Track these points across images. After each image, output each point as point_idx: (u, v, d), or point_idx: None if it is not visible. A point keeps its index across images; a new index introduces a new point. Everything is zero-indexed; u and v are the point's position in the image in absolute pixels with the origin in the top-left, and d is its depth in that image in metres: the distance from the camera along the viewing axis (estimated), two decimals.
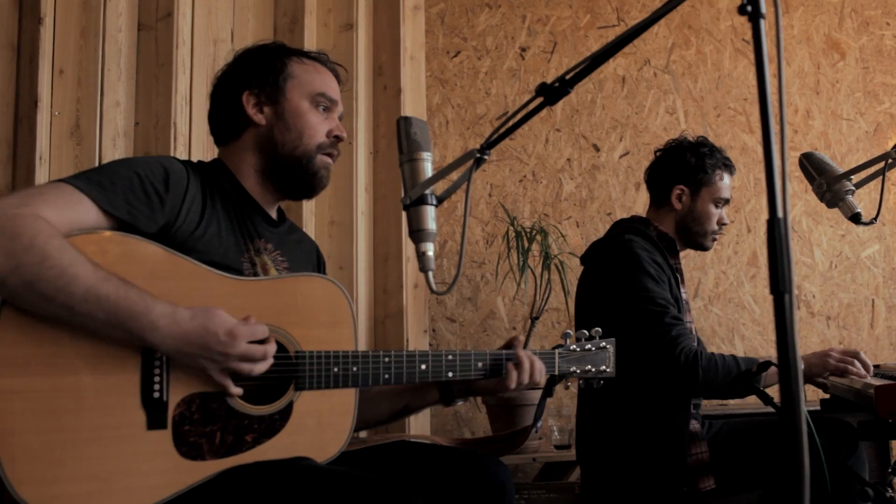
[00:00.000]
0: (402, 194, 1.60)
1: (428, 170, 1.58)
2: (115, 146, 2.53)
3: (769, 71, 1.09)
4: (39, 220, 1.35)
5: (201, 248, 1.56)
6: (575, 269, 3.06)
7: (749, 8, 1.19)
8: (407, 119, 1.59)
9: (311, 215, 2.87)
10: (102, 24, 2.52)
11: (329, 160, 1.78)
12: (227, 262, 1.59)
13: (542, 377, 1.73)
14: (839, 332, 3.69)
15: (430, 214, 1.54)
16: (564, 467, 3.10)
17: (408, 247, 3.02)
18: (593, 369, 1.83)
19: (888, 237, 3.77)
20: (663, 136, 3.72)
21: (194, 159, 1.94)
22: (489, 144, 1.54)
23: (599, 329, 1.87)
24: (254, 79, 1.72)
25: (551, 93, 1.46)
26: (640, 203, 3.67)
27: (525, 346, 3.11)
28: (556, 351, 1.79)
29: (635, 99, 3.73)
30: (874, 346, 3.70)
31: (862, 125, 3.84)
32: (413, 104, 3.14)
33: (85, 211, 1.43)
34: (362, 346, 2.89)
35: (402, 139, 1.58)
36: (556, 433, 3.13)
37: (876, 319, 3.72)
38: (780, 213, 1.16)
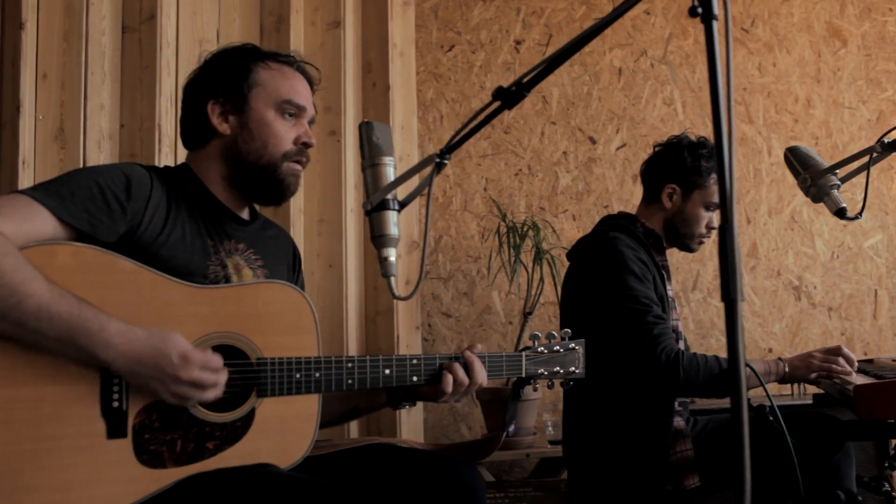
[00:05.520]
0: (365, 196, 1.60)
1: (390, 174, 1.58)
2: (100, 149, 2.53)
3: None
4: None
5: (165, 253, 1.57)
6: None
7: (700, 10, 1.17)
8: (368, 124, 1.58)
9: (299, 213, 2.87)
10: (85, 28, 2.52)
11: (297, 167, 1.77)
12: (192, 266, 1.59)
13: (481, 380, 1.70)
14: (841, 324, 3.65)
15: (392, 219, 1.54)
16: (560, 462, 3.08)
17: (399, 246, 3.00)
18: (562, 370, 1.82)
19: (891, 226, 3.72)
20: (661, 127, 3.69)
21: (167, 164, 1.93)
22: (448, 149, 1.53)
23: (569, 330, 1.86)
24: (219, 87, 1.72)
25: (509, 96, 1.46)
26: (637, 195, 3.63)
27: (518, 342, 3.10)
28: (523, 353, 1.78)
29: (632, 90, 3.69)
30: (877, 337, 3.66)
31: (864, 113, 3.78)
32: (403, 100, 3.13)
33: (43, 223, 1.44)
34: (353, 343, 2.89)
35: (364, 144, 1.57)
36: (550, 428, 3.12)
37: (879, 310, 3.67)
38: (731, 220, 1.15)
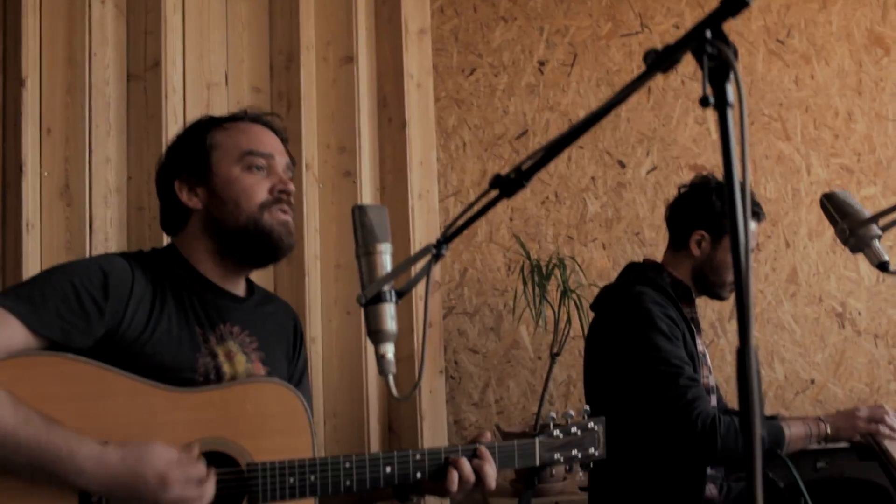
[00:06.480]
0: (360, 287, 1.50)
1: (386, 263, 1.48)
2: (106, 204, 2.46)
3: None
4: None
5: (150, 350, 1.49)
6: None
7: (712, 99, 1.06)
8: (361, 208, 1.48)
9: (315, 259, 2.78)
10: (88, 79, 2.45)
11: (284, 216, 1.66)
12: (179, 361, 1.51)
13: (490, 480, 1.59)
14: (888, 352, 3.46)
15: (388, 313, 1.44)
16: None
17: (419, 286, 2.89)
18: (580, 454, 1.70)
19: None
20: (693, 148, 3.53)
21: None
22: (446, 238, 1.42)
23: (588, 407, 1.74)
24: (180, 164, 1.64)
25: (507, 185, 1.34)
26: None
27: (546, 383, 2.98)
28: (537, 439, 1.66)
29: (662, 110, 3.54)
30: None
31: None
32: (421, 135, 3.01)
33: (12, 333, 1.36)
34: (372, 392, 2.79)
35: (356, 229, 1.48)
36: (580, 473, 3.00)
37: None
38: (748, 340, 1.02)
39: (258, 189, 1.63)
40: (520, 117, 3.51)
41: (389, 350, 1.43)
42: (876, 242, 2.00)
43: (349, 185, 2.83)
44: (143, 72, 2.55)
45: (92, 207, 2.44)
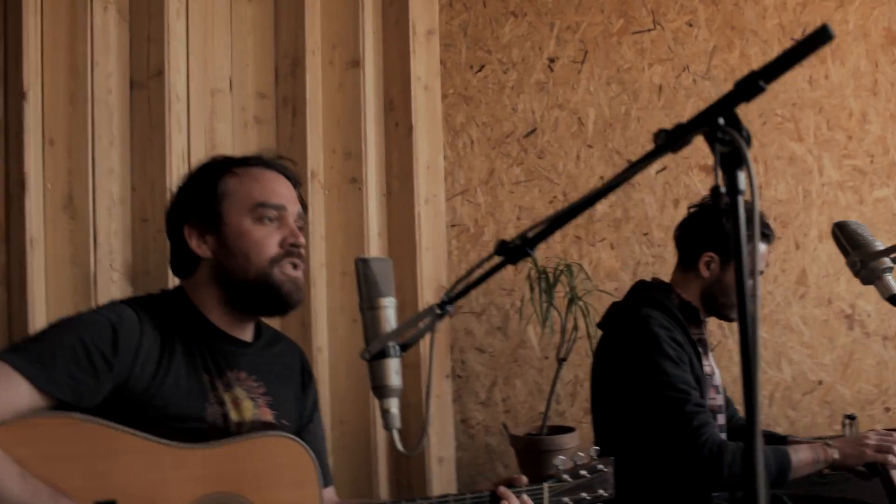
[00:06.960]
0: (364, 341, 1.51)
1: (390, 317, 1.47)
2: (110, 216, 2.44)
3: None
4: None
5: (158, 402, 1.49)
6: (606, 301, 2.89)
7: (723, 189, 1.06)
8: (365, 261, 1.47)
9: (321, 268, 2.77)
10: (90, 88, 2.41)
11: (293, 272, 1.65)
12: (187, 410, 1.51)
13: None
14: None
15: (393, 368, 1.44)
16: None
17: (425, 292, 2.89)
18: (588, 496, 1.70)
19: None
20: (703, 148, 3.44)
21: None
22: (450, 299, 1.41)
23: (598, 448, 1.73)
24: (190, 209, 1.62)
25: (512, 252, 1.32)
26: (678, 220, 3.45)
27: (553, 386, 2.96)
28: (546, 485, 1.66)
29: (673, 109, 3.48)
30: None
31: None
32: (428, 139, 2.98)
33: (20, 393, 1.35)
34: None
35: (360, 283, 1.47)
36: None
37: None
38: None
39: (268, 242, 1.61)
40: (529, 115, 3.46)
41: (394, 405, 1.43)
42: (887, 275, 1.98)
43: (355, 192, 2.80)
44: (147, 80, 2.51)
45: (96, 220, 2.41)
